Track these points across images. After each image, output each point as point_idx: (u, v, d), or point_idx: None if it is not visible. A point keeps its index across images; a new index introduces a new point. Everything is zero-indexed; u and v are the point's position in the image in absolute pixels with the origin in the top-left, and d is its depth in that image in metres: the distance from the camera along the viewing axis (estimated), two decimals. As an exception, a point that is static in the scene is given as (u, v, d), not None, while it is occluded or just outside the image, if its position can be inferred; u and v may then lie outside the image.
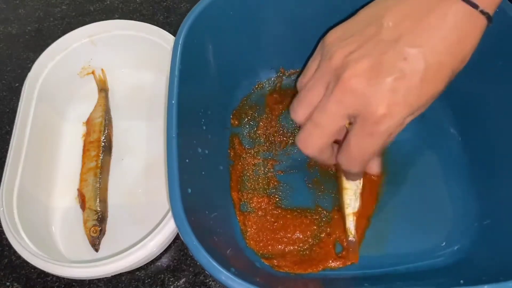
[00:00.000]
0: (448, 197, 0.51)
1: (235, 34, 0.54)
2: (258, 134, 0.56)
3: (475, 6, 0.35)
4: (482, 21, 0.36)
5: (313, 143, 0.41)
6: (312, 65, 0.43)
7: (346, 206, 0.49)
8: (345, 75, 0.37)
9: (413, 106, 0.36)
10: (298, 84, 0.44)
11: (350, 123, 0.40)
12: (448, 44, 0.36)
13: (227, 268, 0.35)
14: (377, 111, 0.36)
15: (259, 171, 0.54)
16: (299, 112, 0.42)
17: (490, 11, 0.36)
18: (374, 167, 0.46)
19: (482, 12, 0.36)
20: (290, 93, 0.59)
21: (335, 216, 0.51)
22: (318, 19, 0.53)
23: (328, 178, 0.53)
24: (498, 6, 0.37)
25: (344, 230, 0.49)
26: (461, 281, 0.43)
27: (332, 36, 0.41)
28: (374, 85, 0.36)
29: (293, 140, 0.56)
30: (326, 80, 0.39)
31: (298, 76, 0.46)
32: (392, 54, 0.36)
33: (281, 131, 0.56)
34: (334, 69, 0.38)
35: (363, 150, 0.39)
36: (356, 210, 0.49)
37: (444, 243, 0.49)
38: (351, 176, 0.47)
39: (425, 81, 0.36)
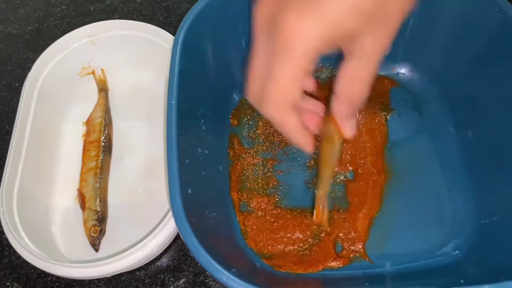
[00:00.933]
0: (448, 197, 0.51)
1: (235, 33, 0.54)
2: (257, 134, 0.56)
3: None
4: None
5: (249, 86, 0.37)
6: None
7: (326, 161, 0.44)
8: (258, 2, 0.33)
9: (327, 27, 0.31)
10: None
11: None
12: None
13: (228, 269, 0.35)
14: (286, 26, 0.31)
15: (259, 171, 0.54)
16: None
17: None
18: (347, 127, 0.38)
19: None
20: (290, 93, 0.59)
21: (335, 216, 0.51)
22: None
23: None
24: None
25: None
26: (461, 281, 0.43)
27: None
28: (284, 4, 0.31)
29: (293, 140, 0.56)
30: (261, 36, 0.35)
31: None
32: None
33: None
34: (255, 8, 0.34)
35: (276, 79, 0.33)
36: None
37: (444, 243, 0.49)
38: (286, 134, 0.38)
39: (344, 3, 0.30)
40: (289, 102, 0.34)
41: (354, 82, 0.35)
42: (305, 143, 0.38)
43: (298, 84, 0.33)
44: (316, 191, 0.46)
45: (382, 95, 0.58)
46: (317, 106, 0.41)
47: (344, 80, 0.35)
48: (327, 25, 0.30)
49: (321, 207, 0.46)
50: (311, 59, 0.31)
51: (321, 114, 0.41)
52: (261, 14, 0.33)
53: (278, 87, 0.33)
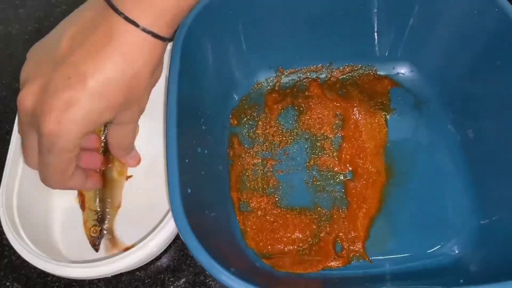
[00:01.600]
0: (447, 197, 0.51)
1: (234, 33, 0.54)
2: (257, 133, 0.56)
3: (135, 24, 0.37)
4: (149, 39, 0.38)
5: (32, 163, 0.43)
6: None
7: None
8: (20, 94, 0.38)
9: (86, 121, 0.37)
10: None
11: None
12: (115, 60, 0.37)
13: (227, 268, 0.35)
14: (46, 128, 0.36)
15: (259, 170, 0.54)
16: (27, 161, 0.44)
17: (156, 29, 0.38)
18: (130, 160, 0.51)
19: (145, 30, 0.37)
20: (289, 93, 0.59)
21: (335, 216, 0.51)
22: (316, 17, 0.54)
23: (327, 177, 0.53)
24: (170, 24, 0.39)
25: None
26: (461, 281, 0.43)
27: (24, 69, 0.41)
28: (44, 103, 0.36)
29: (292, 139, 0.56)
30: (27, 126, 0.40)
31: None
32: (59, 73, 0.36)
33: (280, 131, 0.56)
34: (19, 96, 0.39)
35: (50, 168, 0.40)
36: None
37: (443, 243, 0.49)
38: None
39: (94, 96, 0.36)
40: (67, 176, 0.41)
41: (119, 137, 0.44)
42: (94, 185, 0.48)
43: (71, 163, 0.40)
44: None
45: (382, 95, 0.58)
46: (95, 143, 0.51)
47: (112, 136, 0.45)
48: (83, 125, 0.37)
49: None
50: (76, 146, 0.38)
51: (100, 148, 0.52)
52: (25, 111, 0.38)
53: (55, 173, 0.40)
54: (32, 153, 0.41)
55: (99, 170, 0.52)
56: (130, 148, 0.48)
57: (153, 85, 0.42)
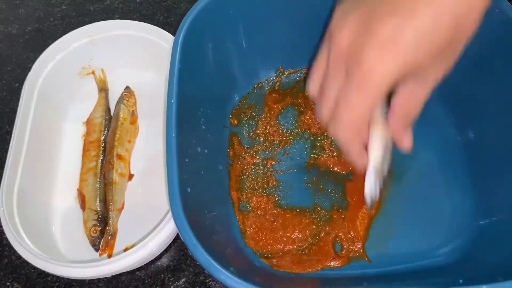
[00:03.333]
0: (447, 197, 0.51)
1: (234, 33, 0.54)
2: (257, 133, 0.56)
3: None
4: None
5: (322, 111, 0.39)
6: (322, 54, 0.40)
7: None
8: (336, 30, 0.36)
9: (406, 59, 0.33)
10: (311, 81, 0.42)
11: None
12: (450, 2, 0.32)
13: (227, 267, 0.35)
14: (366, 60, 0.33)
15: (258, 170, 0.54)
16: (309, 86, 0.40)
17: None
18: (405, 139, 0.41)
19: None
20: (289, 93, 0.59)
21: (334, 216, 0.51)
22: (317, 18, 0.54)
23: (327, 177, 0.53)
24: None
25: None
26: (460, 281, 0.43)
27: (333, 21, 0.38)
28: (364, 35, 0.34)
29: (292, 139, 0.56)
30: (325, 51, 0.38)
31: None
32: (383, 7, 0.34)
33: (280, 131, 0.56)
34: (329, 32, 0.37)
35: (351, 109, 0.36)
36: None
37: (443, 243, 0.49)
38: (347, 153, 0.41)
39: (420, 33, 0.33)
40: (358, 129, 0.37)
41: (411, 102, 0.38)
42: (362, 162, 0.41)
43: (369, 114, 0.36)
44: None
45: (382, 95, 0.58)
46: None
47: (403, 99, 0.38)
48: (404, 62, 0.33)
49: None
50: (386, 93, 0.35)
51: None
52: (341, 45, 0.35)
53: (351, 115, 0.36)
54: (334, 91, 0.37)
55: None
56: (413, 120, 0.40)
57: (472, 35, 0.36)
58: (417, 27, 0.32)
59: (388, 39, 0.33)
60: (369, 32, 0.33)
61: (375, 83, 0.34)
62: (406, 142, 0.41)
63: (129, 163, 0.58)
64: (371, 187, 0.43)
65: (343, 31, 0.35)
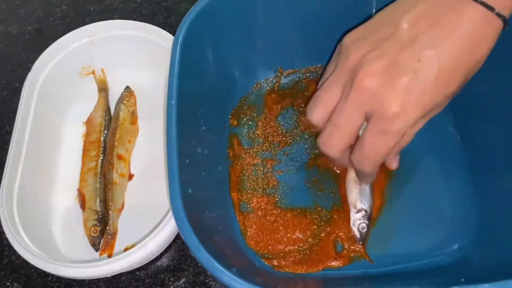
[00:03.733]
0: (448, 196, 0.51)
1: (234, 34, 0.54)
2: (257, 134, 0.56)
3: (491, 9, 0.36)
4: (498, 24, 0.37)
5: (334, 143, 0.41)
6: (329, 68, 0.44)
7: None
8: (360, 74, 0.38)
9: (427, 106, 0.37)
10: (318, 87, 0.44)
11: None
12: (463, 46, 0.36)
13: (229, 269, 0.35)
14: (390, 109, 0.36)
15: (258, 171, 0.54)
16: (314, 113, 0.42)
17: (506, 14, 0.37)
18: (394, 163, 0.47)
19: (498, 15, 0.36)
20: (289, 93, 0.59)
21: (335, 216, 0.51)
22: (316, 19, 0.54)
23: (327, 177, 0.53)
24: None
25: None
26: (462, 280, 0.43)
27: (349, 38, 0.41)
28: (388, 84, 0.36)
29: (292, 140, 0.56)
30: (343, 81, 0.40)
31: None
32: (407, 55, 0.36)
33: (280, 131, 0.56)
34: (350, 69, 0.39)
35: (376, 149, 0.39)
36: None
37: (444, 242, 0.49)
38: (364, 177, 0.47)
39: (439, 82, 0.36)
40: (380, 162, 0.42)
41: (409, 136, 0.41)
42: (373, 178, 0.47)
43: (392, 148, 0.39)
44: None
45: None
46: None
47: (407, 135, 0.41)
48: (424, 108, 0.37)
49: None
50: (407, 131, 0.38)
51: None
52: (364, 91, 0.38)
53: (377, 155, 0.40)
54: (356, 128, 0.40)
55: None
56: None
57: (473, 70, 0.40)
58: (437, 79, 0.36)
59: (411, 93, 0.36)
60: (395, 84, 0.36)
61: (399, 129, 0.37)
62: (394, 165, 0.47)
63: (129, 163, 0.58)
64: (357, 225, 0.49)
65: (369, 74, 0.37)
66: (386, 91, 0.36)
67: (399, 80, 0.36)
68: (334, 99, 0.41)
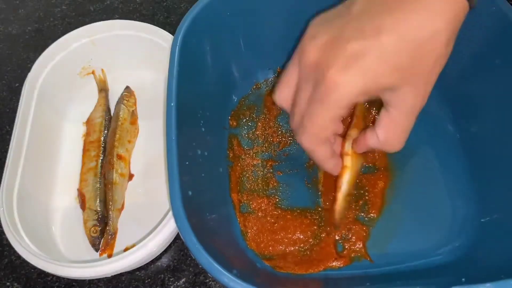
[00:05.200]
0: (448, 196, 0.51)
1: (233, 34, 0.54)
2: (256, 134, 0.56)
3: None
4: (456, 5, 0.35)
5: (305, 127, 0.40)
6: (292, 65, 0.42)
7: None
8: (305, 49, 0.38)
9: (367, 82, 0.35)
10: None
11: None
12: (414, 18, 0.34)
13: (229, 270, 0.35)
14: (329, 76, 0.35)
15: (258, 172, 0.54)
16: (277, 94, 0.43)
17: None
18: (373, 140, 0.42)
19: None
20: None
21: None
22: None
23: (327, 177, 0.53)
24: None
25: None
26: (463, 279, 0.43)
27: (312, 21, 0.40)
28: (330, 53, 0.36)
29: (292, 140, 0.56)
30: (297, 60, 0.39)
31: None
32: (352, 26, 0.36)
33: (280, 132, 0.56)
34: (301, 48, 0.39)
35: (313, 119, 0.38)
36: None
37: (444, 241, 0.49)
38: (314, 161, 0.43)
39: (382, 54, 0.34)
40: (321, 139, 0.40)
41: (394, 131, 0.40)
42: (332, 169, 0.44)
43: (332, 126, 0.38)
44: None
45: (381, 95, 0.58)
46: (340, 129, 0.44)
47: (385, 127, 0.40)
48: (366, 80, 0.35)
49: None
50: (347, 108, 0.36)
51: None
52: (310, 59, 0.37)
53: (314, 126, 0.38)
54: (303, 104, 0.39)
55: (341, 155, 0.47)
56: (398, 147, 0.41)
57: (443, 63, 0.37)
58: (380, 49, 0.34)
59: (352, 58, 0.35)
60: (336, 51, 0.35)
61: (336, 97, 0.36)
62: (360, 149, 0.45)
63: (129, 163, 0.58)
64: (339, 210, 0.47)
65: (313, 47, 0.37)
66: (325, 60, 0.36)
67: (343, 48, 0.35)
68: (293, 78, 0.40)
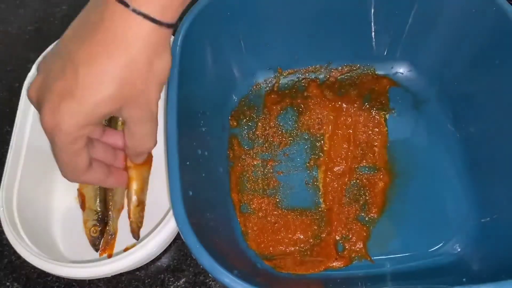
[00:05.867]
0: (448, 196, 0.51)
1: (233, 34, 0.54)
2: (256, 135, 0.56)
3: (126, 5, 0.34)
4: (142, 23, 0.35)
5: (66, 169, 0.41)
6: None
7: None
8: (29, 88, 0.38)
9: (80, 114, 0.35)
10: None
11: None
12: (108, 48, 0.34)
13: (230, 271, 0.35)
14: (44, 121, 0.36)
15: (259, 172, 0.54)
16: None
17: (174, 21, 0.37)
18: (138, 160, 0.47)
19: (135, 11, 0.34)
20: (288, 94, 0.59)
21: (335, 216, 0.51)
22: (315, 19, 0.54)
23: (327, 177, 0.53)
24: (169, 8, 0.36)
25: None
26: (464, 279, 0.43)
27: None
28: (41, 95, 0.36)
29: (292, 140, 0.56)
30: None
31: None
32: (56, 64, 0.36)
33: (280, 132, 0.57)
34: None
35: (59, 161, 0.39)
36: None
37: (445, 242, 0.49)
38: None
39: (84, 88, 0.34)
40: (81, 171, 0.40)
41: (132, 139, 0.41)
42: (116, 184, 0.47)
43: (78, 156, 0.38)
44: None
45: (380, 94, 0.58)
46: (119, 140, 0.46)
47: (127, 138, 0.41)
48: (80, 115, 0.35)
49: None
50: (78, 139, 0.37)
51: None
52: (30, 101, 0.38)
53: (66, 167, 0.39)
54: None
55: (126, 168, 0.49)
56: (145, 154, 0.46)
57: (157, 77, 0.38)
58: (83, 86, 0.34)
59: (58, 104, 0.35)
60: (44, 97, 0.36)
61: (61, 137, 0.36)
62: (139, 161, 0.47)
63: None
64: (135, 220, 0.51)
65: (31, 88, 0.38)
66: (40, 103, 0.36)
67: (49, 90, 0.35)
68: None
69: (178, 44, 0.46)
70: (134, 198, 0.51)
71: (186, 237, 0.36)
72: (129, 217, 0.51)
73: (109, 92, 0.35)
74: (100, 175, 0.43)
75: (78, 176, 0.41)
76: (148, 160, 0.52)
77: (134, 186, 0.50)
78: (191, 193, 0.40)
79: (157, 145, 0.58)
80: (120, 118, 0.60)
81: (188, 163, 0.42)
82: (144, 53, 0.35)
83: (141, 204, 0.51)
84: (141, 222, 0.52)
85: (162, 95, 0.60)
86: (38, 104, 0.37)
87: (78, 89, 0.34)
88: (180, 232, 0.37)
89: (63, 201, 0.56)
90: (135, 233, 0.51)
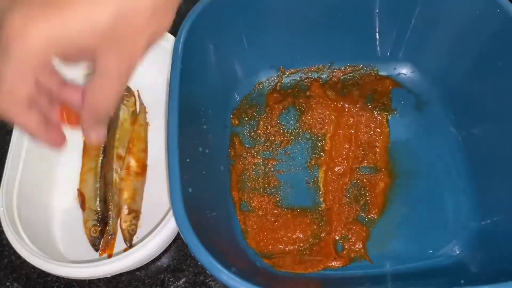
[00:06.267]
0: (449, 198, 0.51)
1: (236, 33, 0.54)
2: (258, 133, 0.56)
3: None
4: None
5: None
6: None
7: None
8: None
9: (55, 37, 0.30)
10: None
11: None
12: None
13: (228, 268, 0.34)
14: (10, 27, 0.30)
15: (259, 170, 0.54)
16: None
17: None
18: (92, 135, 0.38)
19: None
20: (290, 93, 0.59)
21: (335, 216, 0.51)
22: (318, 17, 0.54)
23: (328, 177, 0.53)
24: None
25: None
26: (462, 281, 0.43)
27: None
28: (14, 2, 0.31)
29: (293, 139, 0.56)
30: None
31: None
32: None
33: (281, 131, 0.56)
34: None
35: (3, 80, 0.32)
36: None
37: (444, 243, 0.49)
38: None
39: (69, 13, 0.30)
40: (19, 101, 0.33)
41: (98, 96, 0.35)
42: (50, 140, 0.37)
43: (28, 83, 0.32)
44: None
45: (383, 95, 0.58)
46: (75, 96, 0.38)
47: (90, 93, 0.35)
48: (55, 36, 0.30)
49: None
50: (39, 62, 0.31)
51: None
52: None
53: (4, 87, 0.32)
54: None
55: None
56: (104, 117, 0.37)
57: (153, 30, 0.34)
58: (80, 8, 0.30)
59: (41, 8, 0.30)
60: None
61: (22, 51, 0.30)
62: (93, 138, 0.38)
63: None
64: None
65: None
66: (8, 8, 0.30)
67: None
68: None
69: (181, 41, 0.46)
70: (124, 207, 0.53)
71: (185, 234, 0.36)
72: (121, 226, 0.52)
73: (102, 19, 0.31)
74: (37, 123, 0.35)
75: (15, 111, 0.33)
76: (142, 172, 0.55)
77: (125, 195, 0.53)
78: (191, 190, 0.40)
79: (156, 144, 0.59)
80: (120, 118, 0.60)
81: (188, 160, 0.41)
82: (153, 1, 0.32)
83: (132, 212, 0.53)
84: (134, 230, 0.52)
85: (164, 92, 0.61)
86: (3, 9, 0.31)
87: (68, 2, 0.30)
88: (179, 229, 0.37)
89: (63, 201, 0.56)
90: (127, 240, 0.52)
